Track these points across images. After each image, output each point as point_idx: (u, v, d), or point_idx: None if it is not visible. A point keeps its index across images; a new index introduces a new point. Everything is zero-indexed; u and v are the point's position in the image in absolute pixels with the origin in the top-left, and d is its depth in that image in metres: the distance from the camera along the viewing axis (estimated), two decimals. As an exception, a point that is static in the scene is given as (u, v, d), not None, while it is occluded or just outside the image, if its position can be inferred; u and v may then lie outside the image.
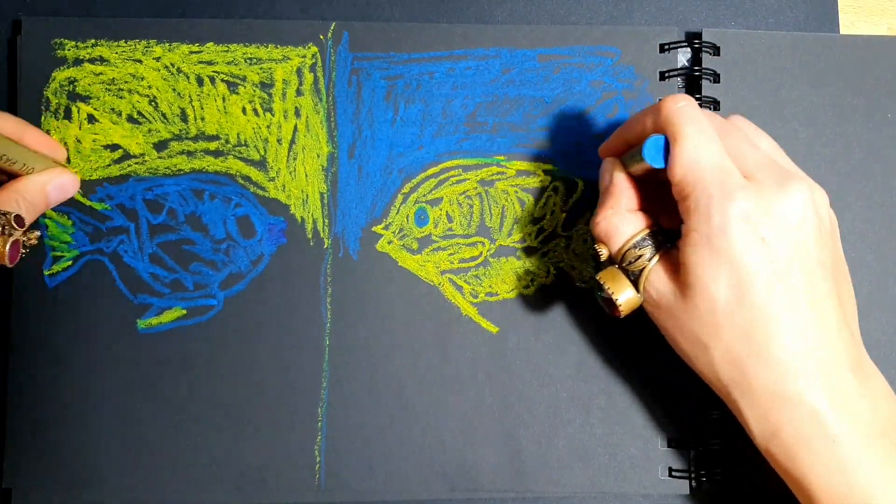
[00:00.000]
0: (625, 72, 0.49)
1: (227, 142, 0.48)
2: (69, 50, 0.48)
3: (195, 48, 0.48)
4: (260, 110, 0.48)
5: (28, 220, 0.43)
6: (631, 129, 0.41)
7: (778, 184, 0.37)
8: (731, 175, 0.36)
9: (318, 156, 0.48)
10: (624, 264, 0.40)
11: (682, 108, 0.38)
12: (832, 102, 0.49)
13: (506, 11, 0.51)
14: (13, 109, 0.48)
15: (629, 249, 0.40)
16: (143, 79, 0.48)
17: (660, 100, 0.39)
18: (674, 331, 0.39)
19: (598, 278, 0.40)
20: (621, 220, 0.40)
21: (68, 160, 0.47)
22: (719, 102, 0.49)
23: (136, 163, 0.48)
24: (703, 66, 0.49)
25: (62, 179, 0.45)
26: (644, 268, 0.39)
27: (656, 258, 0.39)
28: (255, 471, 0.47)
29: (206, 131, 0.48)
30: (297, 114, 0.48)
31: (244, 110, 0.48)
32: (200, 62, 0.48)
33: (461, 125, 0.49)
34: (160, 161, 0.48)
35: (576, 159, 0.49)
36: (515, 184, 0.49)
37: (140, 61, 0.48)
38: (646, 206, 0.41)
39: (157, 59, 0.48)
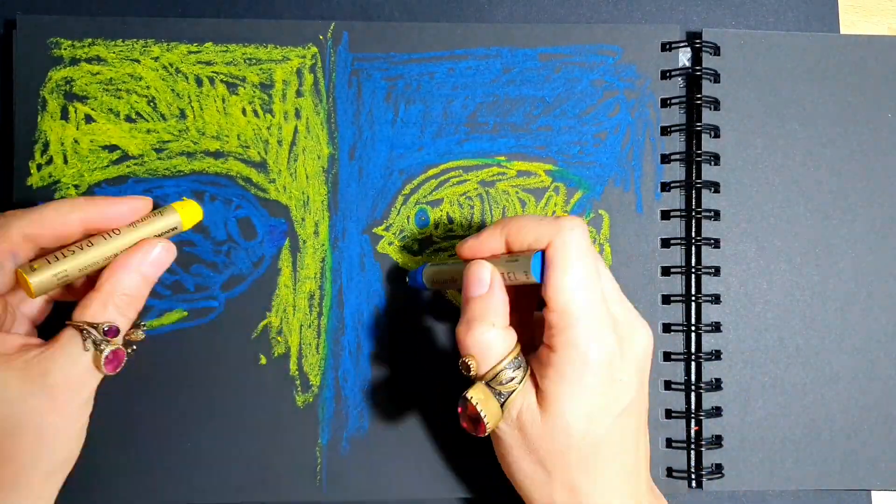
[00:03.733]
0: (626, 71, 0.49)
1: (228, 143, 0.48)
2: (65, 49, 0.47)
3: (194, 48, 0.48)
4: (260, 111, 0.48)
5: (129, 320, 0.39)
6: (516, 233, 0.40)
7: (632, 327, 0.40)
8: (604, 322, 0.38)
9: (319, 157, 0.48)
10: (494, 384, 0.39)
11: (576, 238, 0.38)
12: (832, 102, 0.49)
13: (506, 11, 0.51)
14: (9, 109, 0.47)
15: (503, 370, 0.39)
16: (141, 79, 0.47)
17: (555, 217, 0.39)
18: (521, 451, 0.40)
19: (467, 396, 0.38)
20: (497, 337, 0.39)
21: (154, 206, 0.41)
22: (719, 102, 0.49)
23: (136, 164, 0.47)
24: (704, 65, 0.49)
25: (154, 255, 0.39)
26: (514, 390, 0.39)
27: (525, 380, 0.39)
28: (257, 471, 0.47)
29: (206, 132, 0.47)
30: (298, 115, 0.48)
31: (244, 111, 0.48)
32: (199, 62, 0.48)
33: (462, 126, 0.48)
34: (160, 162, 0.47)
35: (577, 159, 0.49)
36: (516, 184, 0.49)
37: (138, 61, 0.47)
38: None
39: (156, 58, 0.47)
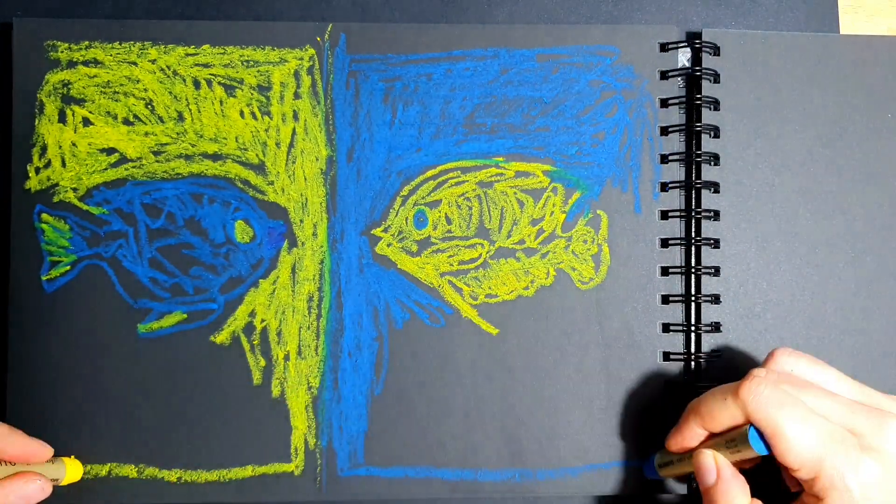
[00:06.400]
0: (624, 71, 0.49)
1: (226, 145, 0.48)
2: (62, 52, 0.47)
3: (191, 50, 0.48)
4: (258, 113, 0.48)
5: None
6: (710, 420, 0.41)
7: (878, 429, 0.38)
8: (845, 442, 0.37)
9: (317, 159, 0.48)
10: None
11: (765, 399, 0.38)
12: (832, 102, 0.49)
13: (505, 12, 0.50)
14: (7, 112, 0.47)
15: None
16: (138, 81, 0.47)
17: (735, 387, 0.39)
18: None
19: None
20: None
21: (60, 454, 0.45)
22: (719, 102, 0.49)
23: (134, 167, 0.47)
24: (704, 66, 0.49)
25: (26, 490, 0.41)
26: None
27: None
28: (256, 474, 0.47)
29: (204, 135, 0.47)
30: (296, 117, 0.48)
31: (242, 113, 0.48)
32: (196, 65, 0.48)
33: (459, 126, 0.48)
34: (158, 165, 0.47)
35: (575, 160, 0.48)
36: (514, 185, 0.48)
37: (135, 63, 0.47)
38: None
39: (153, 61, 0.47)
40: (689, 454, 0.42)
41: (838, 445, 0.37)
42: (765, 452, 0.38)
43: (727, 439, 0.40)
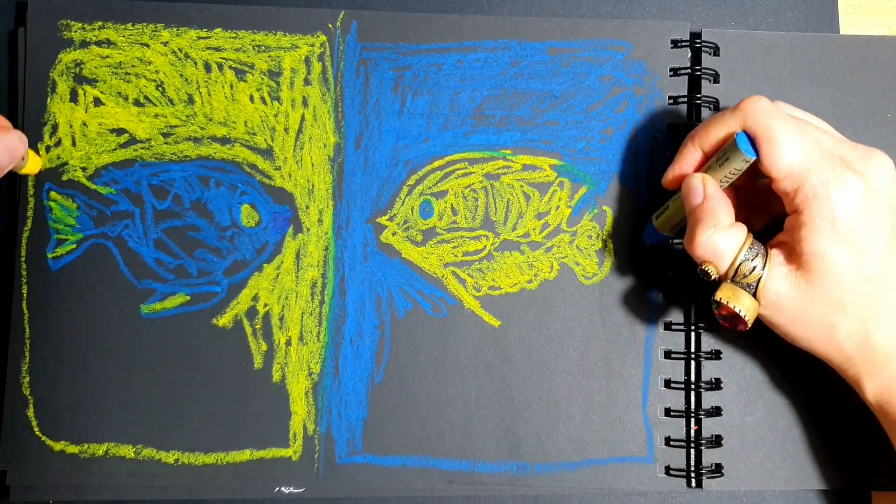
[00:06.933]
0: (635, 67, 0.49)
1: (235, 129, 0.48)
2: (76, 31, 0.48)
3: (203, 34, 0.48)
4: (268, 98, 0.48)
5: None
6: (705, 137, 0.42)
7: (863, 159, 0.40)
8: (833, 160, 0.39)
9: (325, 146, 0.48)
10: (738, 279, 0.40)
11: (764, 108, 0.39)
12: (832, 102, 0.50)
13: (515, 4, 0.51)
14: (20, 90, 0.47)
15: (741, 264, 0.40)
16: (150, 63, 0.48)
17: (739, 103, 0.41)
18: (795, 325, 0.41)
19: (717, 299, 0.40)
20: (724, 237, 0.40)
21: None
22: (719, 102, 0.49)
23: (143, 148, 0.47)
24: (703, 65, 0.49)
25: (8, 141, 0.42)
26: (760, 277, 0.40)
27: (769, 264, 0.40)
28: (255, 458, 0.46)
29: (214, 118, 0.48)
30: (305, 103, 0.48)
31: (252, 98, 0.48)
32: (208, 48, 0.48)
33: (468, 118, 0.49)
34: (166, 147, 0.47)
35: (583, 154, 0.49)
36: (521, 178, 0.49)
37: (147, 45, 0.48)
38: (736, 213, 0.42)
39: (165, 43, 0.48)
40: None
41: (825, 160, 0.39)
42: (752, 155, 0.39)
43: (718, 156, 0.41)
